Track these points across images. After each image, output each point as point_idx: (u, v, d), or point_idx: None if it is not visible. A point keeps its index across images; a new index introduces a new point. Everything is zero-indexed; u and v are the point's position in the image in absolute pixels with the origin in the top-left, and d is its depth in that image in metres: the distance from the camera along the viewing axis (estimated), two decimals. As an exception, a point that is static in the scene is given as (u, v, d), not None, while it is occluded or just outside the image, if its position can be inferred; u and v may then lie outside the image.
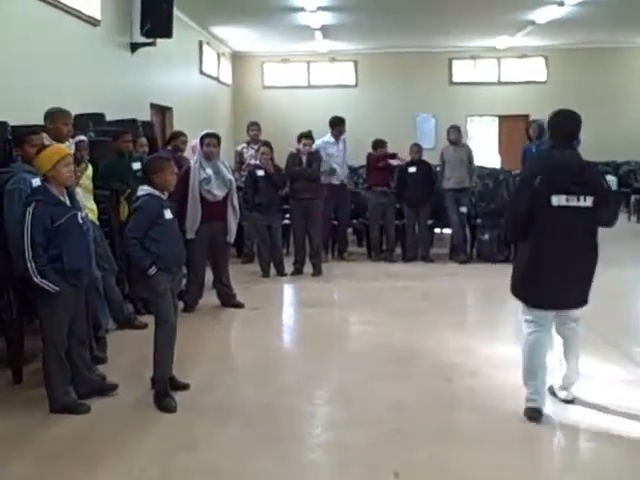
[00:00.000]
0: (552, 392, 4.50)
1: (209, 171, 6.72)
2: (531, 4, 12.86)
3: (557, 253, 4.13)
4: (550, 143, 4.35)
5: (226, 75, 17.39)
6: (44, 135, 5.00)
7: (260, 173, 8.40)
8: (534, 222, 4.13)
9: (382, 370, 5.18)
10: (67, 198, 4.35)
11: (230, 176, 6.96)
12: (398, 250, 9.88)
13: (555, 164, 4.17)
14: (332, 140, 9.74)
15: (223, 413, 4.39)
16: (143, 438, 4.06)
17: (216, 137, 6.86)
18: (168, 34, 10.27)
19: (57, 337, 4.31)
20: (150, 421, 4.28)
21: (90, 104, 7.89)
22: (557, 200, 4.06)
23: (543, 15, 13.65)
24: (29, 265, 4.12)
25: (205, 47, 15.07)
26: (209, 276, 7.12)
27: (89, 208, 5.40)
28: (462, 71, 18.01)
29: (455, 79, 18.01)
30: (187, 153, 8.21)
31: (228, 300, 7.08)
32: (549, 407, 4.38)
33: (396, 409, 4.42)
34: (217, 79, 16.36)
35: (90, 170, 5.66)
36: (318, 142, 9.56)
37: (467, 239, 9.88)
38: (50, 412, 4.33)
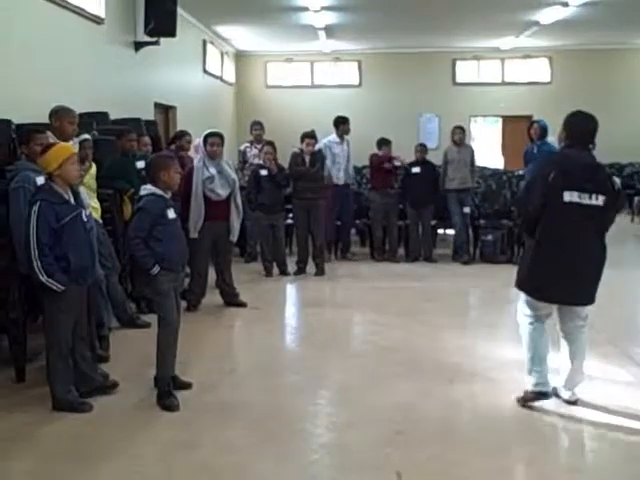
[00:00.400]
0: (556, 393, 4.50)
1: (212, 170, 6.72)
2: (535, 5, 12.84)
3: (565, 249, 4.17)
4: (566, 142, 4.35)
5: (230, 74, 17.39)
6: (49, 134, 5.01)
7: (263, 172, 8.41)
8: (545, 217, 4.18)
9: (384, 370, 5.18)
10: (71, 197, 4.35)
11: (234, 175, 6.97)
12: (401, 250, 9.89)
13: (570, 162, 4.21)
14: (337, 140, 9.75)
15: (225, 412, 4.40)
16: (145, 437, 4.07)
17: (220, 136, 6.85)
18: (172, 33, 10.28)
19: (62, 335, 4.31)
20: (152, 420, 4.28)
21: (94, 103, 7.90)
22: (569, 196, 4.11)
23: (547, 16, 13.62)
24: (35, 264, 4.12)
25: (209, 46, 15.07)
26: (212, 275, 7.12)
27: (93, 207, 5.41)
28: (466, 71, 17.99)
29: (459, 79, 17.99)
30: (190, 152, 8.22)
31: (231, 299, 7.09)
32: (551, 408, 4.39)
33: (398, 410, 4.41)
34: (221, 78, 16.36)
35: (94, 169, 5.67)
36: (324, 141, 9.58)
37: (470, 239, 9.89)
38: (52, 410, 4.33)
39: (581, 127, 4.31)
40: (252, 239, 9.41)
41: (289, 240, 9.67)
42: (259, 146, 9.35)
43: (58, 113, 5.27)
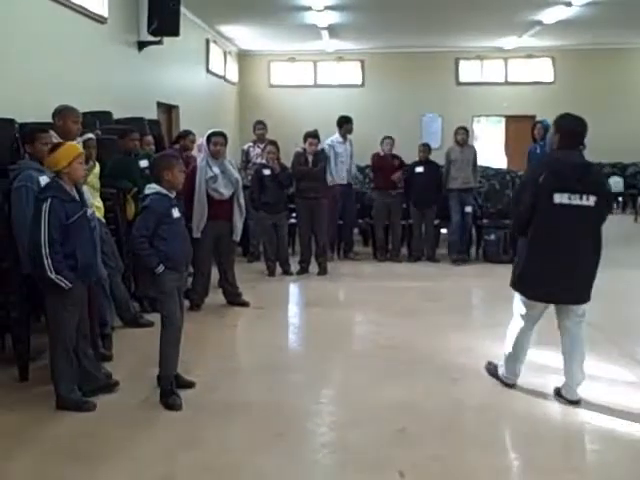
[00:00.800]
0: (558, 393, 4.50)
1: (216, 170, 6.72)
2: (538, 4, 12.82)
3: (557, 249, 4.25)
4: (557, 144, 4.38)
5: (233, 74, 17.40)
6: (52, 133, 5.01)
7: (266, 172, 8.41)
8: (536, 218, 4.25)
9: (387, 370, 5.18)
10: (76, 195, 4.37)
11: (237, 175, 6.97)
12: (404, 250, 9.89)
13: (560, 163, 4.26)
14: (341, 139, 9.77)
15: (228, 411, 4.40)
16: (148, 435, 4.07)
17: (223, 136, 6.85)
18: (175, 32, 10.28)
19: (66, 333, 4.31)
20: (155, 419, 4.29)
21: (97, 102, 7.90)
22: (559, 198, 4.18)
23: (550, 15, 13.60)
24: (45, 261, 4.11)
25: (212, 45, 15.07)
26: (215, 275, 7.12)
27: (96, 206, 5.41)
28: (469, 71, 17.98)
29: (462, 79, 17.98)
30: (193, 152, 8.22)
31: (234, 299, 7.09)
32: (554, 408, 4.39)
33: (401, 409, 4.41)
34: (224, 78, 16.37)
35: (97, 168, 5.68)
36: (327, 141, 9.59)
37: (472, 239, 9.89)
38: (56, 409, 4.34)
39: (570, 129, 4.36)
40: (255, 239, 9.41)
41: (292, 240, 9.67)
42: (262, 145, 9.34)
43: (62, 112, 5.26)
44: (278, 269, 8.64)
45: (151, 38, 10.30)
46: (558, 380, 4.55)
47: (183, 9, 10.69)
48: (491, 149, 18.08)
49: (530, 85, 17.72)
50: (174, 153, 6.33)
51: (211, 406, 4.48)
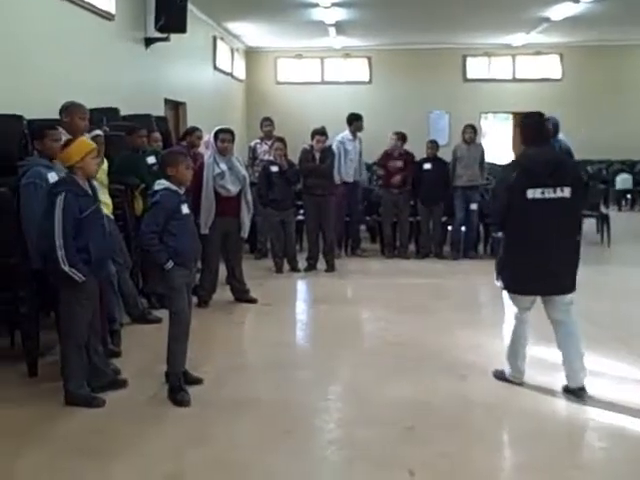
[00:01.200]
0: (566, 390, 4.50)
1: (223, 166, 6.72)
2: (546, 1, 12.79)
3: (536, 243, 4.39)
4: (526, 142, 4.56)
5: (240, 70, 17.41)
6: (60, 129, 5.02)
7: (274, 169, 8.41)
8: (512, 214, 4.41)
9: (395, 367, 5.17)
10: (89, 190, 4.38)
11: (244, 172, 6.97)
12: (411, 247, 9.88)
13: (531, 160, 4.41)
14: (350, 137, 9.76)
15: (236, 408, 4.40)
16: (157, 432, 4.08)
17: (230, 132, 6.85)
18: (182, 29, 10.30)
19: (79, 328, 4.32)
20: (164, 415, 4.30)
21: (104, 99, 7.91)
22: (532, 193, 4.32)
23: (558, 12, 13.57)
24: (59, 253, 4.12)
25: (219, 42, 15.08)
26: (223, 271, 7.13)
27: (104, 202, 5.41)
28: (476, 68, 17.95)
29: (469, 76, 17.96)
30: (200, 148, 8.22)
31: (241, 295, 7.10)
32: (562, 405, 4.38)
33: (410, 406, 4.41)
34: (231, 74, 16.38)
35: (105, 164, 5.69)
36: (337, 137, 9.58)
37: (480, 236, 9.87)
38: (65, 405, 4.35)
39: (535, 127, 4.56)
40: (262, 235, 9.41)
41: (299, 236, 9.67)
42: (269, 142, 9.34)
43: (69, 109, 5.27)
44: (286, 266, 8.64)
45: (158, 35, 10.32)
46: (563, 378, 4.53)
47: (190, 6, 10.71)
48: (499, 146, 18.05)
49: (538, 82, 17.69)
50: (181, 150, 6.35)
51: (219, 403, 4.49)
